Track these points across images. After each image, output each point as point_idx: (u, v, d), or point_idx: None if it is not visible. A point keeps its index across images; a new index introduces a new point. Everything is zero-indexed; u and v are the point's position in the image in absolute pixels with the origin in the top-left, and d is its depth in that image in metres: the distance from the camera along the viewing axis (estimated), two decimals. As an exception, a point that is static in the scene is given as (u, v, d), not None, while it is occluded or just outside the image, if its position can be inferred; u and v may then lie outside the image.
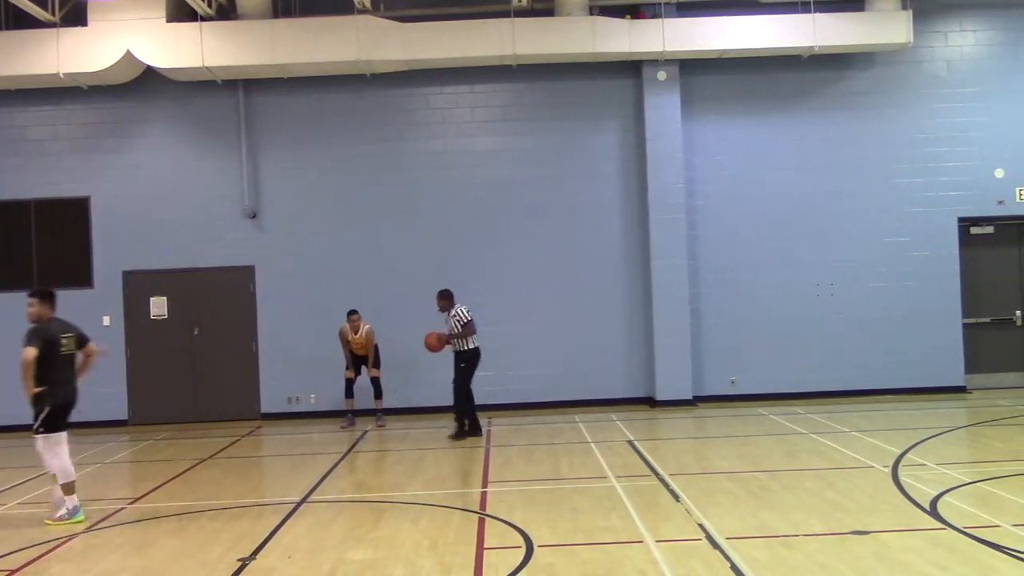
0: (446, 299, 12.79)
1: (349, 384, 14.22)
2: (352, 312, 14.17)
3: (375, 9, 14.55)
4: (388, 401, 14.45)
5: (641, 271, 15.28)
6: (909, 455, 10.34)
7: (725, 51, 14.75)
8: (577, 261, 15.35)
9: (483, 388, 14.88)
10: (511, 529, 7.83)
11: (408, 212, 15.36)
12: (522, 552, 7.14)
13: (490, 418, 14.31)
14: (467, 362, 12.60)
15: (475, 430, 12.74)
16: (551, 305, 15.32)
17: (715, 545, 7.12)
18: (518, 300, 15.26)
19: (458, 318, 12.53)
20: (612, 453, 11.21)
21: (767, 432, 12.53)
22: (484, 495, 9.27)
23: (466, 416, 12.72)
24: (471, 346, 12.62)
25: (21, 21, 14.18)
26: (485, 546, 7.41)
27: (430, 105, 15.54)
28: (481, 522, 8.17)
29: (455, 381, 12.69)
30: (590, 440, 12.22)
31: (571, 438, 12.56)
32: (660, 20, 14.56)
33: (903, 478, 9.18)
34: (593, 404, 15.02)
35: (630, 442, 11.93)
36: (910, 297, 15.23)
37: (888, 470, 9.58)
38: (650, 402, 15.14)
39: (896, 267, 15.28)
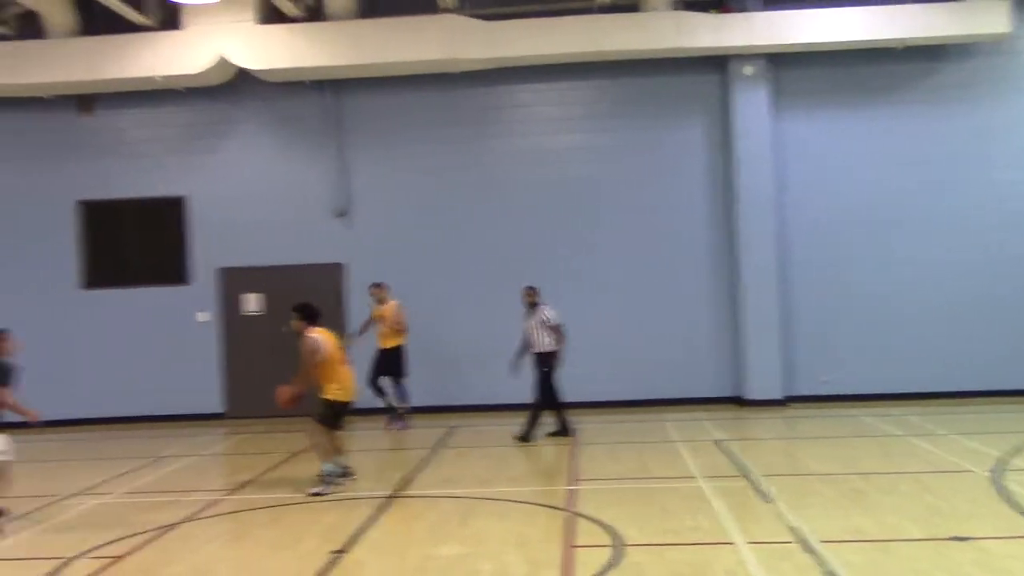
0: (535, 294, 12.65)
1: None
2: (376, 284, 14.18)
3: (459, 8, 14.65)
4: (474, 398, 14.55)
5: (728, 268, 15.10)
6: (1011, 459, 10.02)
7: (814, 44, 14.46)
8: (663, 259, 15.23)
9: (570, 386, 14.89)
10: (599, 527, 7.82)
11: (492, 210, 15.43)
12: (610, 551, 7.13)
13: (578, 416, 14.28)
14: (550, 365, 12.37)
15: (565, 430, 12.58)
16: (636, 303, 15.23)
17: (808, 548, 7.00)
18: (603, 298, 15.20)
19: (545, 321, 12.37)
20: (700, 453, 11.10)
21: (860, 433, 12.28)
22: (571, 493, 9.27)
23: (559, 417, 12.57)
24: (552, 348, 12.37)
25: (120, 26, 14.60)
26: (574, 544, 7.41)
27: (513, 103, 15.59)
28: (569, 520, 8.18)
29: (539, 383, 12.50)
30: (677, 439, 12.12)
31: (658, 437, 12.48)
32: (747, 14, 14.36)
33: (1005, 483, 8.91)
34: (680, 403, 14.89)
35: (718, 442, 11.80)
36: (1011, 296, 14.74)
37: (989, 474, 9.30)
38: (738, 401, 14.95)
39: (994, 265, 14.80)
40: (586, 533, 7.71)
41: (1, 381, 8.90)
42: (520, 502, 8.96)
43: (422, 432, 13.55)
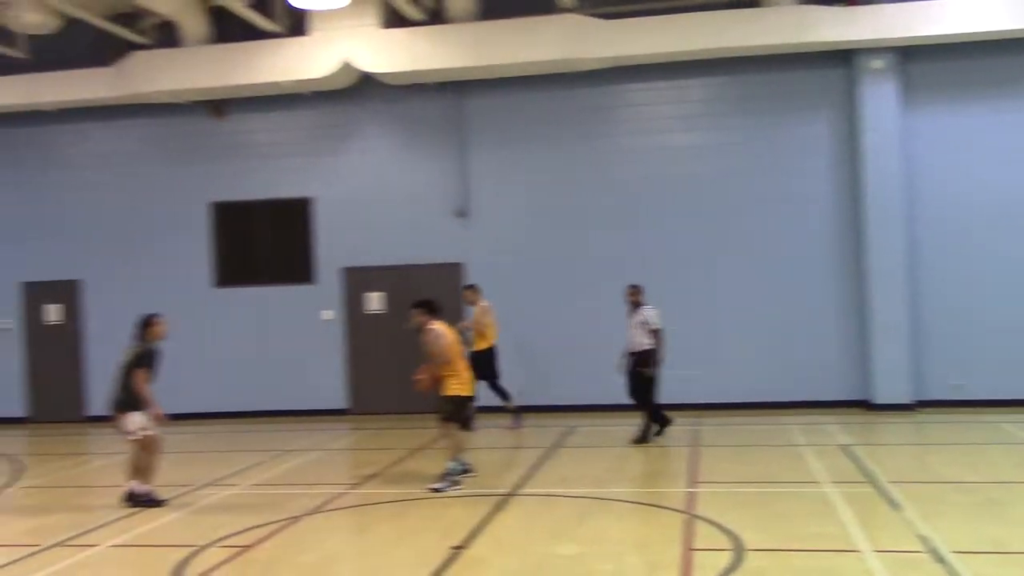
0: (637, 293, 12.46)
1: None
2: (468, 286, 14.23)
3: (578, 7, 14.64)
4: (593, 397, 14.52)
5: (855, 268, 14.67)
6: None
7: (947, 36, 13.91)
8: (785, 258, 14.90)
9: (690, 387, 14.76)
10: (720, 531, 7.71)
11: (610, 210, 15.36)
12: (731, 555, 7.03)
13: (698, 417, 14.14)
14: (647, 366, 12.13)
15: (645, 436, 12.32)
16: (758, 304, 14.94)
17: (939, 559, 6.76)
18: (723, 298, 14.97)
19: (647, 324, 12.16)
20: (825, 457, 10.82)
21: (997, 441, 11.77)
22: (691, 495, 9.17)
23: (657, 418, 12.41)
24: (649, 348, 12.14)
25: (250, 34, 15.10)
26: (693, 547, 7.33)
27: (631, 102, 15.49)
28: (688, 522, 8.09)
29: (636, 384, 12.29)
30: (801, 443, 11.85)
31: (781, 440, 12.23)
32: (876, 6, 13.91)
33: None
34: (804, 406, 14.53)
35: (844, 447, 11.49)
36: None
37: None
38: (865, 405, 14.51)
39: None
40: (706, 536, 7.62)
41: (139, 363, 9.40)
42: (639, 503, 8.91)
43: (540, 432, 13.60)
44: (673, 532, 7.80)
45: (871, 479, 9.57)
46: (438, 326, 9.92)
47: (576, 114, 15.47)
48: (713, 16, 14.08)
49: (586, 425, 13.95)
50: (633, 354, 12.23)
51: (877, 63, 14.33)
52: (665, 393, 14.65)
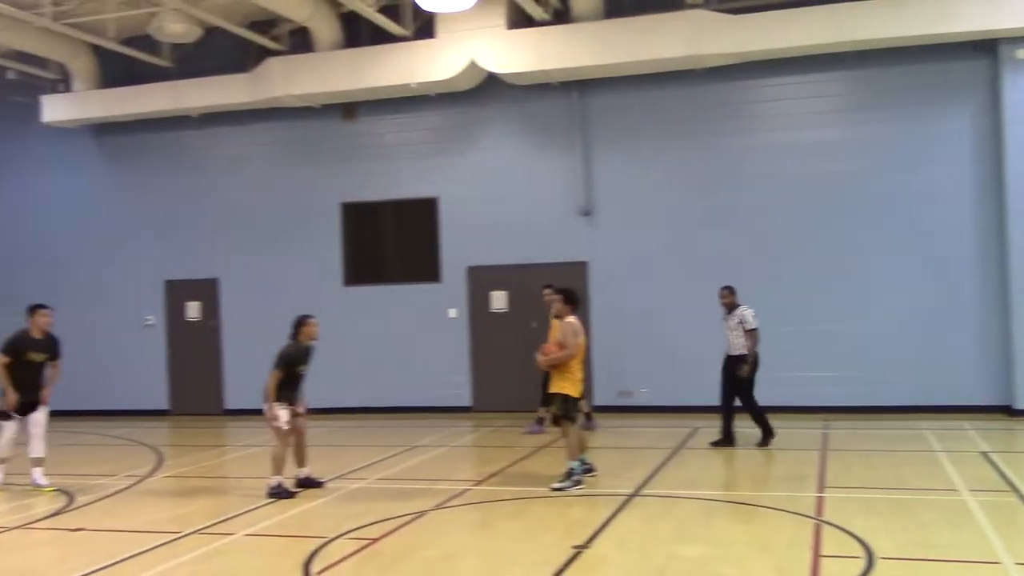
0: (731, 295, 12.13)
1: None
2: (547, 286, 13.97)
3: (705, 3, 14.44)
4: (713, 398, 14.29)
5: (996, 267, 14.03)
6: None
7: (1101, 22, 13.19)
8: (920, 257, 14.35)
9: (819, 389, 14.43)
10: (849, 537, 7.49)
11: (737, 208, 15.10)
12: (862, 563, 6.81)
13: (826, 421, 13.78)
14: (743, 369, 11.85)
15: (768, 434, 12.04)
16: (891, 304, 14.44)
17: (1087, 573, 6.41)
18: (854, 299, 14.54)
19: (745, 323, 11.85)
20: (963, 464, 10.39)
21: None
22: (820, 500, 8.93)
23: (730, 423, 12.10)
24: (745, 351, 11.86)
25: (380, 37, 15.45)
26: (821, 553, 7.14)
27: (759, 97, 15.18)
28: (817, 528, 7.89)
29: (737, 387, 11.99)
30: (937, 449, 11.42)
31: (915, 445, 11.80)
32: (1022, -8, 13.28)
33: None
34: (940, 411, 13.98)
35: (984, 453, 11.00)
36: None
37: None
38: (1008, 411, 13.86)
39: None
40: (835, 542, 7.41)
41: (282, 361, 9.80)
42: (765, 507, 8.73)
43: (665, 432, 13.47)
44: (801, 537, 7.62)
45: (1012, 487, 9.14)
46: (576, 321, 9.90)
47: (702, 111, 15.26)
48: (847, 8, 13.66)
49: (712, 426, 13.73)
50: (731, 356, 11.96)
51: (1022, 53, 13.67)
52: (795, 396, 14.42)
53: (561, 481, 9.70)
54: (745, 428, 12.24)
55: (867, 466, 10.59)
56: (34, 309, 10.51)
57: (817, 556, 7.06)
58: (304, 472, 10.19)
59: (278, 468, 9.87)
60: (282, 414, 9.85)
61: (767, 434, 11.99)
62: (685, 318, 14.92)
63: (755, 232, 14.98)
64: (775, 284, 14.69)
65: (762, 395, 13.73)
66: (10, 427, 10.37)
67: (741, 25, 14.06)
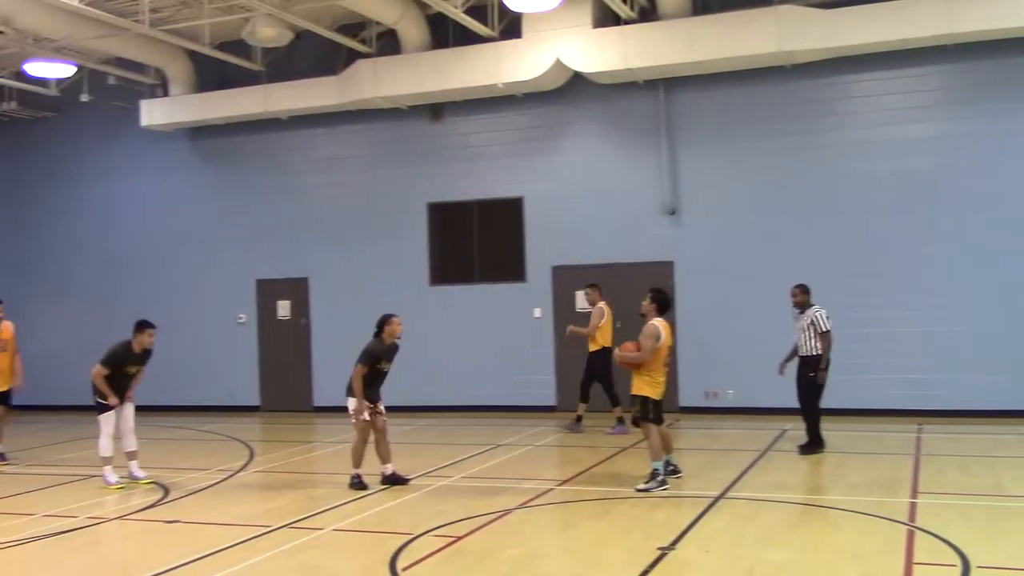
0: (806, 294, 11.77)
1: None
2: (590, 285, 14.09)
3: (795, -3, 14.21)
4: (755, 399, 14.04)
5: (1102, 267, 13.50)
6: None
7: None
8: (1016, 256, 13.85)
9: (911, 392, 14.07)
10: (944, 545, 7.27)
11: (827, 206, 14.79)
12: (957, 571, 6.62)
13: (919, 424, 13.42)
14: (815, 371, 11.48)
15: (816, 444, 11.67)
16: (993, 305, 13.97)
17: None
18: (950, 299, 14.11)
19: (817, 326, 11.48)
20: (1065, 471, 10.02)
21: None
22: (913, 506, 8.71)
23: (812, 427, 11.76)
24: (817, 353, 11.49)
25: (467, 38, 15.55)
26: (915, 560, 6.96)
27: (852, 93, 14.84)
28: (910, 534, 7.69)
29: (802, 389, 11.65)
30: (1038, 455, 11.03)
31: (1014, 451, 11.42)
32: None
33: None
34: (1041, 415, 13.52)
35: (1088, 460, 10.59)
36: None
37: None
38: (1114, 416, 13.33)
39: None
40: (929, 550, 7.21)
41: (365, 358, 9.98)
42: (855, 512, 8.53)
43: (752, 434, 13.28)
44: (893, 544, 7.43)
45: (1120, 498, 8.79)
46: (659, 323, 9.83)
47: (791, 108, 14.99)
48: (943, 1, 13.25)
49: (801, 428, 13.49)
50: (802, 358, 11.66)
51: None
52: (885, 399, 14.09)
53: (646, 482, 9.64)
54: (833, 430, 11.99)
55: (963, 471, 10.29)
56: (142, 327, 10.79)
57: (910, 564, 6.88)
58: (389, 469, 10.36)
59: (357, 461, 10.11)
60: (363, 409, 10.02)
61: (814, 442, 11.65)
62: (772, 318, 14.62)
63: (844, 231, 14.66)
64: (865, 284, 14.38)
65: (851, 398, 13.51)
66: (108, 424, 10.71)
67: (832, 20, 13.78)
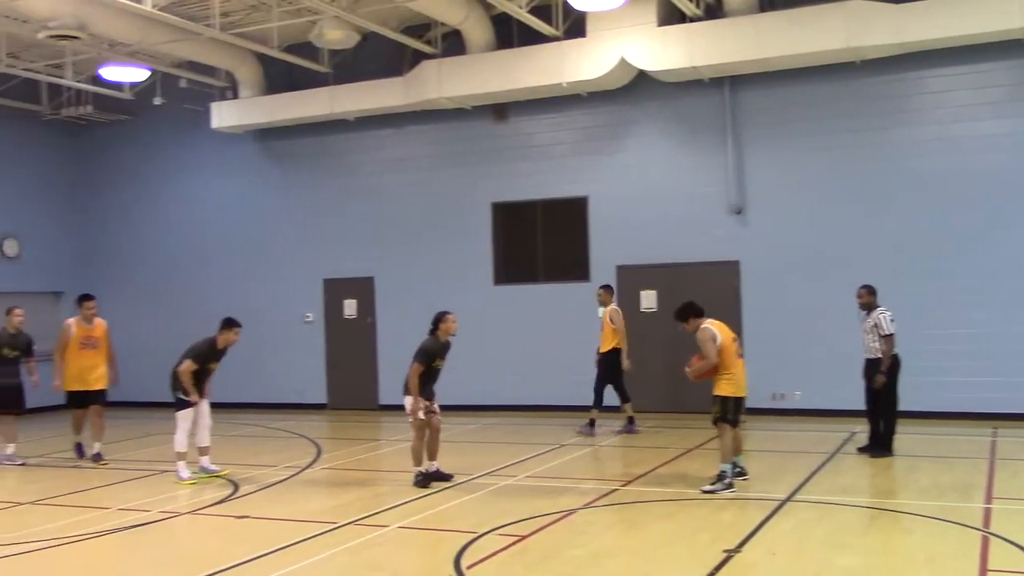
0: (871, 294, 11.54)
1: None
2: (603, 286, 14.14)
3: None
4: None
5: None
6: None
7: None
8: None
9: (986, 395, 13.74)
10: (1021, 552, 7.10)
11: (894, 204, 14.50)
12: (1034, 579, 6.47)
13: (995, 427, 13.09)
14: (883, 377, 11.23)
15: (883, 446, 11.39)
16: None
17: None
18: (1021, 299, 13.73)
19: (880, 328, 11.24)
20: None
21: None
22: (987, 511, 8.50)
23: (877, 428, 11.49)
24: (879, 355, 11.26)
25: (531, 38, 15.56)
26: (989, 567, 6.80)
27: (921, 89, 14.52)
28: (984, 540, 7.51)
29: (876, 390, 11.36)
30: (1120, 460, 10.69)
31: (1094, 456, 11.09)
32: None
33: None
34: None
35: None
36: None
37: None
38: None
39: None
40: (1004, 557, 7.03)
41: (420, 355, 10.05)
42: (927, 517, 8.36)
43: (820, 436, 13.09)
44: (967, 549, 7.27)
45: None
46: (711, 325, 9.78)
47: (860, 104, 14.73)
48: (1020, -7, 12.93)
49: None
50: (868, 360, 11.44)
51: None
52: (959, 402, 13.78)
53: (712, 483, 9.56)
54: (904, 434, 11.76)
55: (1040, 477, 10.03)
56: (230, 325, 11.13)
57: (984, 570, 6.73)
58: (434, 466, 10.40)
59: (417, 459, 10.22)
60: (419, 407, 10.10)
61: (881, 445, 11.40)
62: (840, 318, 14.35)
63: (914, 230, 14.36)
64: (937, 283, 14.08)
65: (923, 400, 13.20)
66: (187, 420, 10.95)
67: (901, 15, 13.50)
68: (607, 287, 14.32)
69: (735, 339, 9.98)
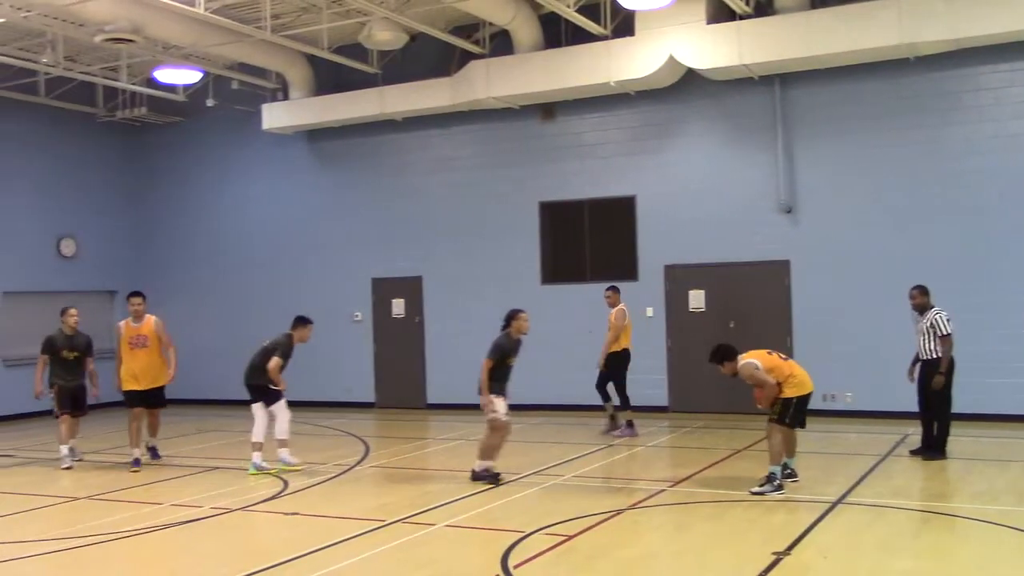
0: (925, 295, 11.33)
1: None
2: (611, 287, 14.06)
3: (921, -12, 13.73)
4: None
5: None
6: None
7: None
8: None
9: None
10: (1079, 558, 6.96)
11: (949, 203, 14.23)
12: (1094, 586, 6.32)
13: (1052, 430, 12.85)
14: (942, 377, 11.01)
15: (936, 449, 11.20)
16: None
17: None
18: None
19: (937, 329, 11.04)
20: None
21: None
22: (1045, 516, 8.33)
23: (930, 430, 11.28)
24: (937, 357, 11.04)
25: (579, 37, 15.54)
26: (1046, 573, 6.67)
27: (979, 86, 14.24)
28: (1042, 546, 7.37)
29: (929, 392, 11.14)
30: None
31: None
32: None
33: None
34: None
35: None
36: None
37: None
38: None
39: None
40: (1063, 563, 6.90)
41: (493, 352, 10.26)
42: (981, 521, 8.21)
43: (871, 438, 12.92)
44: (1022, 554, 7.13)
45: None
46: (748, 358, 9.68)
47: (913, 102, 14.49)
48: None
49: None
50: (923, 362, 11.23)
51: None
52: (1016, 403, 13.51)
53: (761, 485, 9.47)
54: (958, 436, 11.56)
55: (1100, 482, 9.80)
56: (306, 322, 11.72)
57: (1041, 576, 6.60)
58: (487, 465, 10.42)
59: (488, 455, 10.26)
60: (500, 405, 10.17)
61: (935, 448, 11.20)
62: (892, 319, 14.16)
63: (969, 229, 14.10)
64: (992, 284, 13.82)
65: (976, 403, 12.97)
66: (285, 410, 11.52)
67: (958, 9, 13.25)
68: (614, 288, 14.25)
69: (770, 351, 9.87)
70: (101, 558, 7.97)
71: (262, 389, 11.47)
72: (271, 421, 11.51)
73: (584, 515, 8.69)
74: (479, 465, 10.34)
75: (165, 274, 20.26)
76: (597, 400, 16.26)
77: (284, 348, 11.40)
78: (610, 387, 13.94)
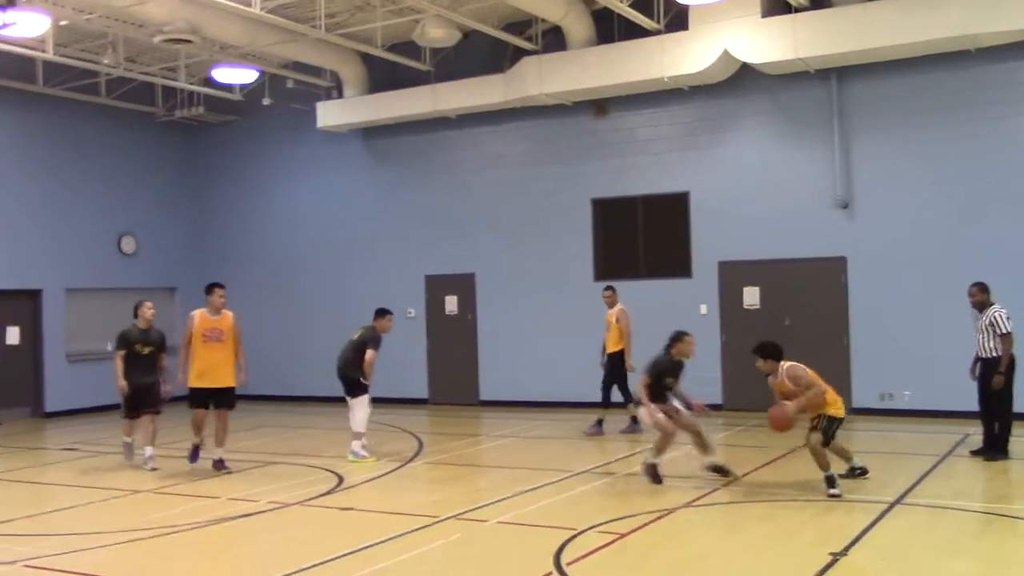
0: (984, 292, 11.08)
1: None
2: (607, 287, 14.07)
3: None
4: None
5: None
6: None
7: None
8: None
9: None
10: None
11: (1011, 198, 13.90)
12: None
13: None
14: (1003, 377, 10.77)
15: (998, 449, 10.93)
16: None
17: None
18: None
19: (997, 327, 10.80)
20: None
21: None
22: (1112, 519, 8.13)
23: (991, 429, 11.02)
24: (996, 355, 10.81)
25: (632, 32, 15.46)
26: (1113, 578, 6.51)
27: (1043, 77, 13.94)
28: (1108, 550, 7.19)
29: (990, 391, 10.90)
30: None
31: None
32: None
33: None
34: None
35: None
36: None
37: None
38: None
39: None
40: None
41: (646, 370, 10.31)
42: (1046, 523, 8.04)
43: (931, 438, 12.69)
44: (1089, 559, 6.97)
45: None
46: (794, 365, 9.53)
47: (976, 94, 14.19)
48: None
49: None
50: (983, 360, 10.99)
51: None
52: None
53: (831, 488, 9.23)
54: (1020, 437, 11.30)
55: None
56: (385, 313, 12.50)
57: (1108, 581, 6.44)
58: (708, 460, 10.35)
59: (657, 453, 10.13)
60: (647, 415, 10.17)
61: (996, 448, 10.95)
62: (952, 316, 13.87)
63: (1035, 224, 13.79)
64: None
65: None
66: (365, 405, 11.98)
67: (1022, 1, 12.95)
68: (611, 288, 14.29)
69: (808, 366, 9.74)
70: (161, 551, 8.11)
71: (353, 381, 11.87)
72: (351, 413, 11.89)
73: (637, 513, 8.65)
74: (651, 462, 10.13)
75: (222, 270, 20.44)
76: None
77: (375, 340, 11.94)
78: (614, 389, 14.05)
